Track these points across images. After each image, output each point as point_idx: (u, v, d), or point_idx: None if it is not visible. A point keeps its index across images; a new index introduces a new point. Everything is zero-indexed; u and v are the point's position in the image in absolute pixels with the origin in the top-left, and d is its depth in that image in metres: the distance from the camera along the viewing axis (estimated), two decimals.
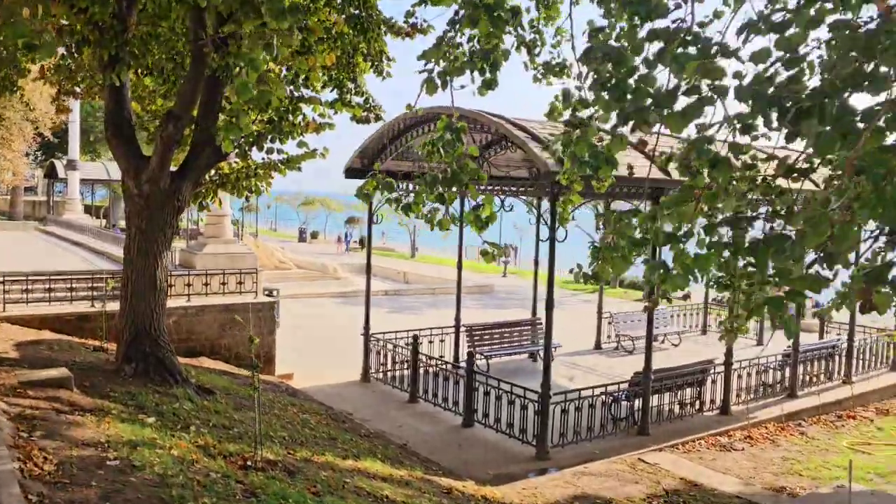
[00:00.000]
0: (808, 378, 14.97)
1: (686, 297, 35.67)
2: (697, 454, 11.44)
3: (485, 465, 10.38)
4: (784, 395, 14.39)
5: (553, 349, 16.88)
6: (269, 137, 8.98)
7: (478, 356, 15.93)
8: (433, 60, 4.99)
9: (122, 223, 46.34)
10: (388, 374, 14.40)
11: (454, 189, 5.23)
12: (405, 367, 14.09)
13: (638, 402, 12.15)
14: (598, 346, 18.78)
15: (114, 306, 12.81)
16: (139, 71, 8.78)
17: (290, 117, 8.89)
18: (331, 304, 25.85)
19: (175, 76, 8.64)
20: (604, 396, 11.56)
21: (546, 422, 10.70)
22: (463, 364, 14.93)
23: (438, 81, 5.05)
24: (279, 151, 9.28)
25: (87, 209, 44.50)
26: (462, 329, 16.12)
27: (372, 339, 14.84)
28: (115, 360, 9.14)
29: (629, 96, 3.78)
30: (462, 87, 5.08)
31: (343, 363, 15.90)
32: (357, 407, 12.90)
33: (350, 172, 14.40)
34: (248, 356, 14.40)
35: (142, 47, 8.09)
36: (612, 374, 16.09)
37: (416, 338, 13.67)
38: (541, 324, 17.32)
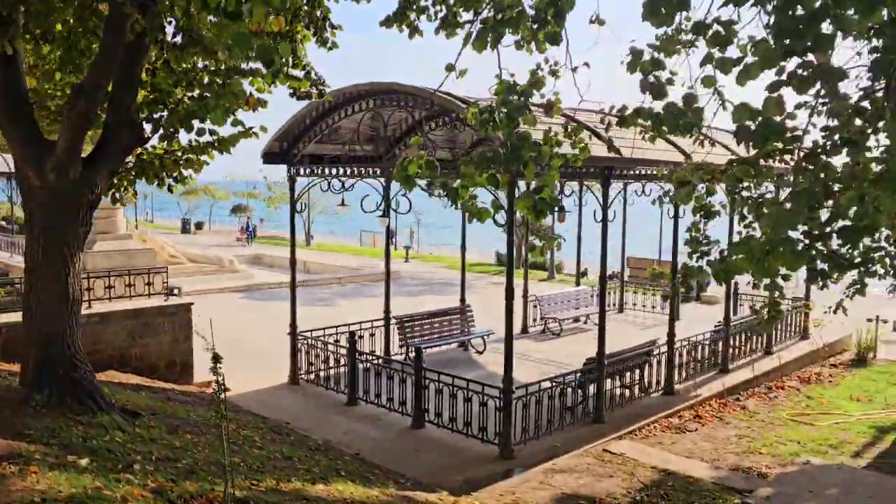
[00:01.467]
0: (735, 352, 15.23)
1: (584, 274, 36.51)
2: (656, 439, 11.23)
3: (449, 469, 9.64)
4: (716, 370, 14.55)
5: (485, 337, 16.48)
6: (200, 116, 7.69)
7: (410, 349, 15.18)
8: (485, 6, 4.10)
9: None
10: (321, 374, 13.31)
11: (512, 169, 4.35)
12: (339, 366, 13.07)
13: (591, 389, 11.78)
14: (524, 330, 18.42)
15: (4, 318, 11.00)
16: (37, 38, 7.22)
17: (224, 91, 7.64)
18: (235, 300, 24.10)
19: (84, 42, 7.16)
20: (560, 386, 11.07)
21: (509, 418, 10.09)
22: (397, 358, 14.12)
23: (489, 37, 4.16)
24: (211, 132, 8.00)
25: None
26: (392, 321, 15.22)
27: (300, 337, 13.67)
28: (22, 387, 7.61)
29: None
30: (519, 44, 4.21)
31: (264, 366, 14.60)
32: (294, 415, 11.77)
33: (269, 157, 13.09)
34: (161, 365, 12.90)
35: (42, 7, 6.59)
36: (549, 360, 15.77)
37: (353, 334, 12.67)
38: (471, 311, 16.78)
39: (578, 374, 11.59)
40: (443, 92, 10.40)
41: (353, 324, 14.27)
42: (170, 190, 8.57)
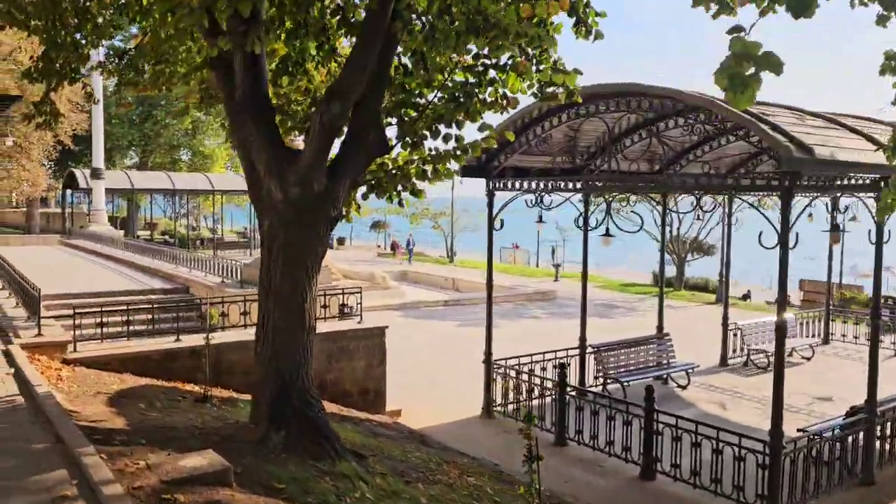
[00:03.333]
0: None
1: (746, 297, 33.40)
2: None
3: None
4: None
5: (689, 370, 14.72)
6: (447, 119, 6.69)
7: (609, 381, 13.72)
8: None
9: (143, 233, 44.17)
10: (517, 407, 12.11)
11: None
12: (532, 398, 11.86)
13: (850, 441, 9.80)
14: (723, 362, 16.45)
15: (195, 340, 10.52)
16: (280, 35, 6.48)
17: (478, 91, 6.61)
18: (395, 319, 23.51)
19: (328, 43, 6.36)
20: (832, 440, 9.22)
21: (777, 479, 8.37)
22: (594, 389, 12.69)
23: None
24: (457, 139, 6.99)
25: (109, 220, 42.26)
26: (588, 350, 13.81)
27: (494, 366, 12.54)
28: (253, 423, 6.85)
29: None
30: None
31: (450, 394, 13.65)
32: (497, 454, 10.60)
33: (467, 171, 12.06)
34: (354, 392, 12.16)
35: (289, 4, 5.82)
36: (767, 399, 13.76)
37: (562, 366, 11.36)
38: (671, 341, 15.08)
39: (840, 424, 9.68)
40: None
41: (548, 352, 13.02)
42: (400, 204, 7.63)
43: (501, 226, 12.36)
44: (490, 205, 12.33)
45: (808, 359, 17.07)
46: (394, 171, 7.21)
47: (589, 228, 13.14)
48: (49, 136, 34.53)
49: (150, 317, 10.53)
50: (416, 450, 9.27)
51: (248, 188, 6.99)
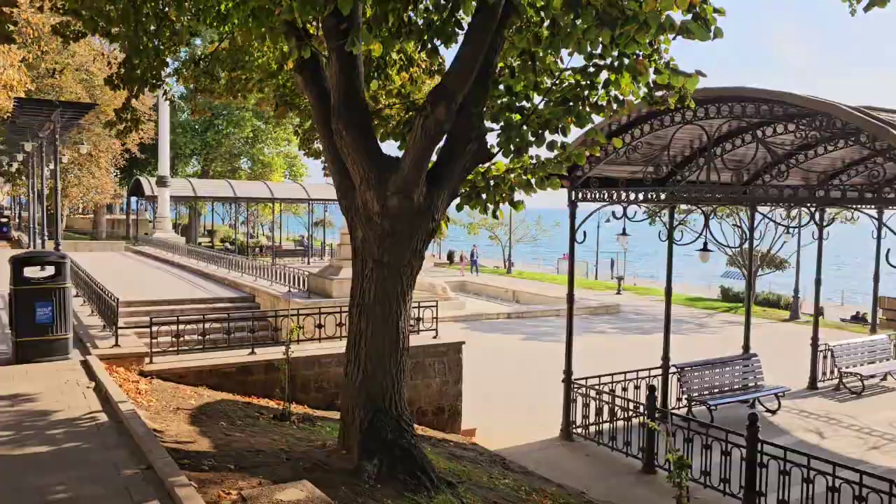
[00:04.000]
0: None
1: (820, 314, 31.73)
2: None
3: None
4: None
5: (780, 395, 13.81)
6: (555, 126, 6.17)
7: (695, 403, 12.94)
8: None
9: (203, 240, 44.79)
10: (599, 429, 11.47)
11: None
12: (615, 419, 11.23)
13: None
14: (812, 385, 15.46)
15: (270, 354, 10.19)
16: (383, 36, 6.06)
17: (588, 95, 6.08)
18: (460, 332, 23.02)
19: (430, 37, 5.90)
20: None
21: None
22: (677, 411, 11.95)
23: None
24: (562, 145, 6.47)
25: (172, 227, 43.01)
26: (671, 370, 13.04)
27: (574, 385, 11.93)
28: (343, 449, 6.43)
29: None
30: None
31: (526, 412, 13.10)
32: (582, 480, 10.01)
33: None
34: (429, 411, 11.71)
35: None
36: (868, 427, 12.79)
37: (652, 388, 10.66)
38: (758, 362, 14.18)
39: None
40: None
41: (629, 371, 12.34)
42: (495, 216, 7.13)
43: (585, 238, 11.76)
44: (573, 215, 11.75)
45: None
46: (493, 181, 6.73)
47: (674, 242, 12.43)
48: (117, 145, 35.30)
49: (224, 327, 10.27)
50: (501, 476, 8.74)
51: (340, 198, 6.58)
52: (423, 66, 8.57)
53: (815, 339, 15.55)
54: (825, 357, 15.74)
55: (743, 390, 13.62)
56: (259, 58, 10.49)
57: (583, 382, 11.93)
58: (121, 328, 10.09)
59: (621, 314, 28.25)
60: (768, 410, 13.66)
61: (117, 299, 10.11)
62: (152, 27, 8.55)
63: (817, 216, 16.63)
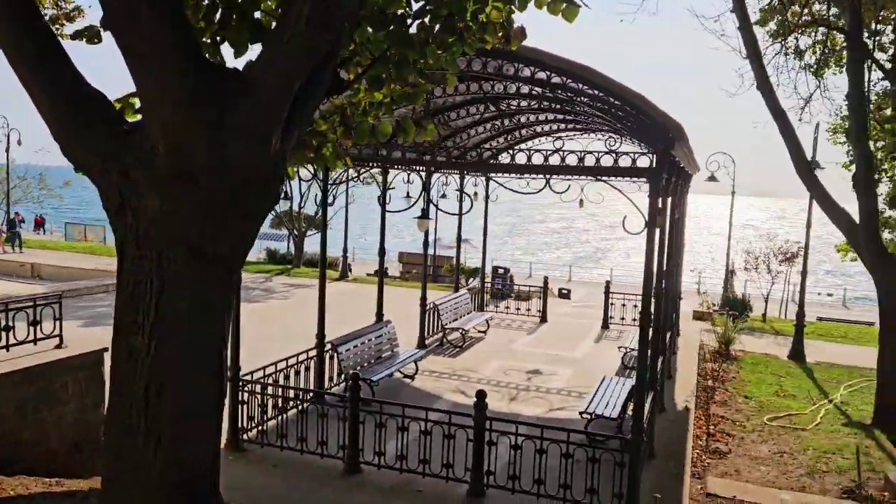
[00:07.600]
0: None
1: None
2: None
3: None
4: None
5: (417, 359, 13.84)
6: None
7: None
8: None
9: None
10: (262, 429, 9.79)
11: None
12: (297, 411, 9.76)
13: None
14: (421, 345, 16.11)
15: None
16: None
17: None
18: None
19: None
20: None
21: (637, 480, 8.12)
22: (336, 392, 10.85)
23: None
24: (413, 84, 4.62)
25: None
26: (326, 350, 11.91)
27: (240, 382, 9.88)
28: None
29: None
30: None
31: None
32: (277, 498, 8.30)
33: None
34: (62, 450, 8.05)
35: None
36: (485, 378, 13.77)
37: (355, 376, 9.36)
38: (393, 327, 14.00)
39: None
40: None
41: (290, 357, 10.78)
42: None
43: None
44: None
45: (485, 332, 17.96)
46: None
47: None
48: None
49: None
50: None
51: (70, 138, 3.59)
52: None
53: (423, 299, 16.12)
54: (433, 315, 16.56)
55: (391, 359, 13.30)
56: None
57: (248, 377, 9.98)
58: None
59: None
60: (406, 376, 13.67)
61: None
62: None
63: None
